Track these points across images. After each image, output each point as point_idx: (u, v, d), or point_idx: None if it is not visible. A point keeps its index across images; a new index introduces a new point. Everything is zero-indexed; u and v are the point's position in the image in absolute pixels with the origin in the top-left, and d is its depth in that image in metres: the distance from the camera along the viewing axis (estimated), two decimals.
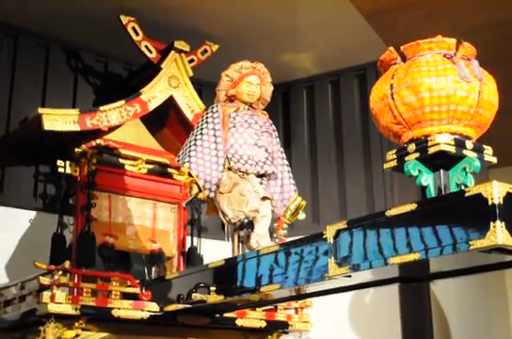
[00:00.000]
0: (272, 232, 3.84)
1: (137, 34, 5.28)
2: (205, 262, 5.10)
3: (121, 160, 5.29)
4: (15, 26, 5.61)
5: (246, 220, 3.75)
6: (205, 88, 6.39)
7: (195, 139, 3.81)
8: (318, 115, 6.61)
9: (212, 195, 3.77)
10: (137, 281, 4.37)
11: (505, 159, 4.05)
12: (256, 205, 3.72)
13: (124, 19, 5.23)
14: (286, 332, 4.99)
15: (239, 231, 3.79)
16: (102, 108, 4.94)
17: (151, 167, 5.41)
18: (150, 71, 5.40)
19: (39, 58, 5.75)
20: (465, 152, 2.70)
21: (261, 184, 3.86)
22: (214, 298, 3.61)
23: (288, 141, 6.65)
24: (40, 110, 4.75)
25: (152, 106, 5.18)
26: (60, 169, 5.04)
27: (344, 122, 6.44)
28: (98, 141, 5.15)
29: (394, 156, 2.81)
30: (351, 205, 6.15)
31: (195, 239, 5.55)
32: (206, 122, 3.86)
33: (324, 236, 2.92)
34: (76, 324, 4.04)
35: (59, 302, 3.95)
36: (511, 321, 7.39)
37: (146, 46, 5.32)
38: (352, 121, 6.38)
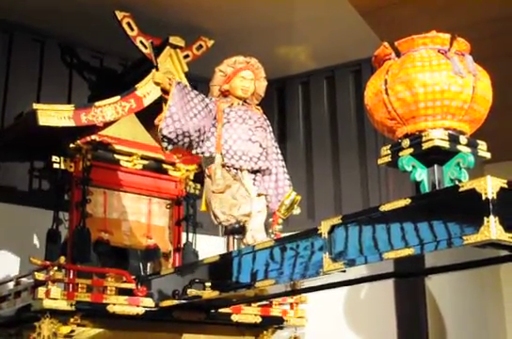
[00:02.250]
0: (267, 227, 3.84)
1: (132, 29, 5.25)
2: (200, 258, 5.10)
3: (116, 156, 5.28)
4: (10, 22, 5.60)
5: (237, 225, 3.75)
6: (200, 83, 6.37)
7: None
8: (313, 111, 6.61)
9: (170, 148, 3.74)
10: (133, 276, 4.36)
11: (501, 154, 4.06)
12: (248, 210, 3.71)
13: (119, 14, 5.21)
14: (281, 328, 5.00)
15: (230, 235, 3.78)
16: (97, 104, 4.93)
17: (146, 162, 5.41)
18: (145, 66, 5.39)
19: (34, 54, 5.74)
20: (459, 147, 2.70)
21: (254, 180, 3.86)
22: (209, 293, 3.61)
23: (283, 137, 6.65)
24: (35, 106, 4.73)
25: (147, 102, 5.16)
26: (55, 165, 5.03)
27: (339, 118, 6.44)
28: (93, 137, 5.14)
29: (389, 152, 2.82)
30: (346, 201, 6.15)
31: (190, 235, 5.56)
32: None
33: (319, 232, 2.92)
34: (72, 320, 4.03)
35: (55, 298, 3.94)
36: (506, 316, 7.41)
37: (141, 42, 5.30)
38: (347, 117, 6.38)
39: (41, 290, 3.96)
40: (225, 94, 3.97)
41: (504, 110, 4.87)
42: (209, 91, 4.02)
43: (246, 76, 3.94)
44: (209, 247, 5.08)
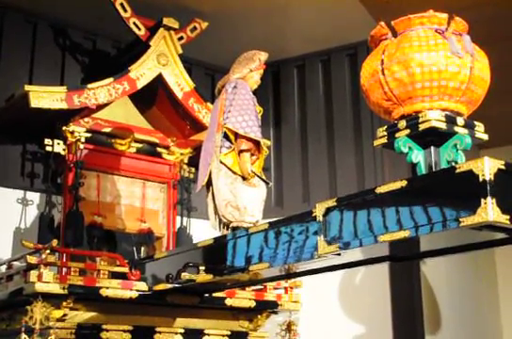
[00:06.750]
0: None
1: (126, 10, 5.18)
2: (194, 241, 5.07)
3: (110, 139, 5.24)
4: (2, 3, 5.52)
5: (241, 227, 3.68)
6: (195, 66, 6.33)
7: None
8: (309, 94, 6.56)
9: None
10: (126, 260, 4.34)
11: (498, 139, 4.03)
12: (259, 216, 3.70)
13: None
14: (276, 312, 4.99)
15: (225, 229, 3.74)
16: (90, 86, 4.87)
17: (140, 146, 5.38)
18: (138, 48, 5.32)
19: (26, 36, 5.67)
20: (456, 128, 2.66)
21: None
22: (203, 277, 3.58)
23: (278, 120, 6.61)
24: (27, 87, 4.68)
25: (140, 84, 5.11)
26: (48, 148, 5.00)
27: (334, 101, 6.39)
28: (86, 120, 5.09)
29: (385, 133, 2.77)
30: (341, 184, 6.12)
31: (184, 219, 5.53)
32: None
33: (313, 214, 2.88)
34: (64, 303, 4.01)
35: (47, 281, 3.91)
36: (500, 298, 7.43)
37: (134, 23, 5.23)
38: (343, 101, 6.34)
39: (34, 273, 3.93)
40: None
41: (502, 94, 4.83)
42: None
43: None
44: (203, 230, 5.03)
